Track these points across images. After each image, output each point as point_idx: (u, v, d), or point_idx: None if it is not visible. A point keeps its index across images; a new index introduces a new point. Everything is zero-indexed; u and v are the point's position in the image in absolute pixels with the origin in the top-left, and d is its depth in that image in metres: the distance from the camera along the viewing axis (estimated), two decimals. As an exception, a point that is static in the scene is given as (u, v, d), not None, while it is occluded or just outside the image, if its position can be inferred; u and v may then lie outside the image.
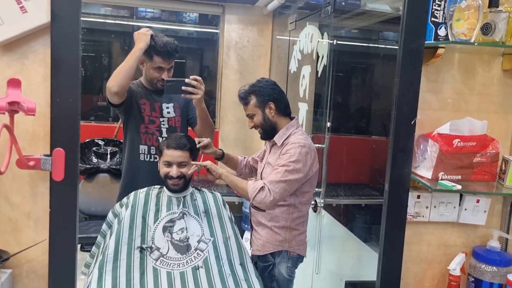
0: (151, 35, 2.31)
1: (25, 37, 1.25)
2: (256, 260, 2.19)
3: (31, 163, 1.19)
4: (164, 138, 2.36)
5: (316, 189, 2.96)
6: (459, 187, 1.48)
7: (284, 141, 2.07)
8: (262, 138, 2.19)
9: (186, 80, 2.09)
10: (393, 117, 1.39)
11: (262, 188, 1.96)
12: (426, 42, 1.44)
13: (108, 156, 3.90)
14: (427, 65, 1.55)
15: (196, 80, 2.12)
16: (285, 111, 2.13)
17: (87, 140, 3.87)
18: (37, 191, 1.30)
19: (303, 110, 3.34)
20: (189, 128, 2.52)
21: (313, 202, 3.03)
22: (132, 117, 2.40)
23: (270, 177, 2.00)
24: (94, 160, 3.85)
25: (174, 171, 2.06)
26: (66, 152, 1.19)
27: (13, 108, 1.08)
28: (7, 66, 1.25)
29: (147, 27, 2.39)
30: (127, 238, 2.00)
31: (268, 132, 2.12)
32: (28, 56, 1.26)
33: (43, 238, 1.30)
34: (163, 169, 2.10)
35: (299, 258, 2.18)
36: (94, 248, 2.16)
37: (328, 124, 2.96)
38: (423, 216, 1.62)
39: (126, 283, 1.90)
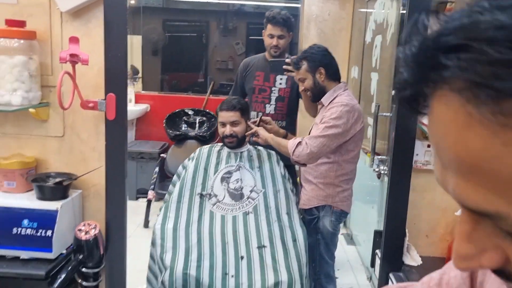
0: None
1: (89, 6, 1.58)
2: (303, 213, 2.37)
3: (91, 104, 1.52)
4: (270, 105, 2.69)
5: (383, 157, 3.02)
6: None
7: (330, 102, 2.21)
8: (312, 100, 2.35)
9: (286, 60, 2.37)
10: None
11: (299, 143, 2.14)
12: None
13: (197, 125, 4.32)
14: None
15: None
16: (335, 76, 2.26)
17: (178, 110, 4.32)
18: (100, 130, 1.65)
19: (374, 80, 3.38)
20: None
21: (377, 169, 3.10)
22: (248, 88, 2.80)
23: (310, 134, 2.17)
24: (184, 128, 4.29)
25: (227, 130, 2.33)
26: (116, 96, 1.50)
27: (73, 59, 1.41)
28: (76, 30, 1.60)
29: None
30: (190, 185, 2.33)
31: (317, 95, 2.27)
32: (91, 21, 1.59)
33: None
34: (220, 129, 2.38)
35: (342, 214, 2.32)
36: (166, 195, 2.53)
37: (393, 92, 2.97)
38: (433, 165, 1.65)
39: (185, 221, 2.23)
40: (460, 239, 0.40)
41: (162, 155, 4.14)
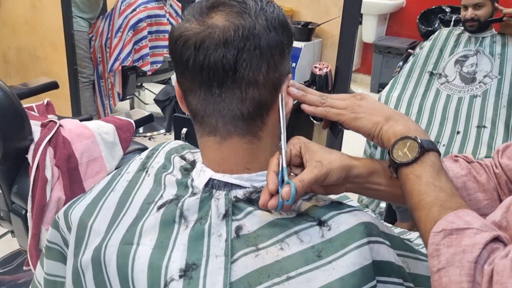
0: None
1: None
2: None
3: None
4: None
5: None
6: None
7: None
8: None
9: None
10: None
11: None
12: None
13: (452, 23, 4.14)
14: None
15: None
16: None
17: (434, 6, 4.20)
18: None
19: None
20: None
21: None
22: None
23: None
24: (437, 25, 4.19)
25: (469, 13, 2.27)
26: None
27: None
28: None
29: None
30: (422, 63, 2.44)
31: None
32: None
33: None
34: (461, 13, 2.35)
35: None
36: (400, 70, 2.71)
37: None
38: None
39: (410, 94, 2.40)
40: None
41: (409, 50, 4.21)
